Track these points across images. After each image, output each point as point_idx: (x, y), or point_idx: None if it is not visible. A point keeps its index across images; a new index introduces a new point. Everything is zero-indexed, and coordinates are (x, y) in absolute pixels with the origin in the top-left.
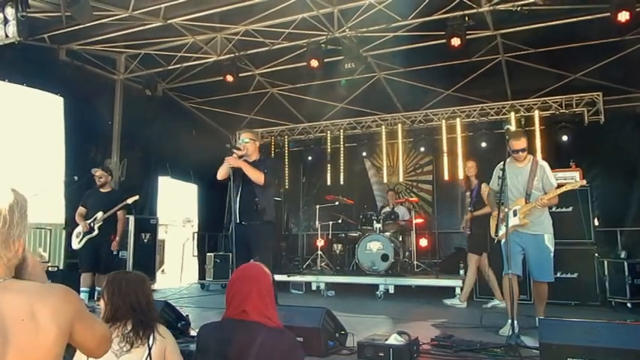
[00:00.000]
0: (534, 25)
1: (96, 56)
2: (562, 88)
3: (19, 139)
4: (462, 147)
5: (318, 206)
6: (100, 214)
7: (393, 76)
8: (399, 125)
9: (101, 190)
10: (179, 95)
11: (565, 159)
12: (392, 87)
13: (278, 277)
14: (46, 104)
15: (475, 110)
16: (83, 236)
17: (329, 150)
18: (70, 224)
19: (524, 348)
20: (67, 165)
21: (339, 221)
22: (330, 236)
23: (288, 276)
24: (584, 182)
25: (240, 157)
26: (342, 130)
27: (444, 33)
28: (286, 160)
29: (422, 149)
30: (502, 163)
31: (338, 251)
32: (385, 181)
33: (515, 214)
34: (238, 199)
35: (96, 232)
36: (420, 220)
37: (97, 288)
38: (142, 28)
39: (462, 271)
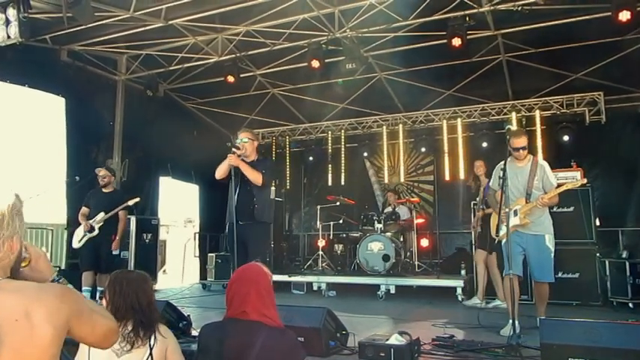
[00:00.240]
0: (535, 24)
1: (97, 57)
2: (563, 88)
3: (21, 139)
4: (463, 147)
5: (319, 206)
6: (101, 215)
7: (394, 77)
8: (400, 125)
9: (103, 190)
10: (180, 96)
11: (566, 159)
12: (393, 87)
13: (279, 278)
14: (48, 105)
15: (476, 110)
16: (84, 236)
17: (330, 150)
18: (72, 224)
19: (525, 348)
20: (69, 165)
21: (340, 221)
22: (331, 236)
23: (290, 276)
24: (585, 181)
25: (239, 156)
26: (343, 131)
27: (444, 33)
28: (287, 160)
29: (423, 149)
30: (502, 162)
31: (339, 251)
32: (386, 181)
33: (515, 214)
34: (236, 198)
35: (96, 231)
36: (421, 221)
37: (98, 288)
38: (143, 28)
39: (463, 272)
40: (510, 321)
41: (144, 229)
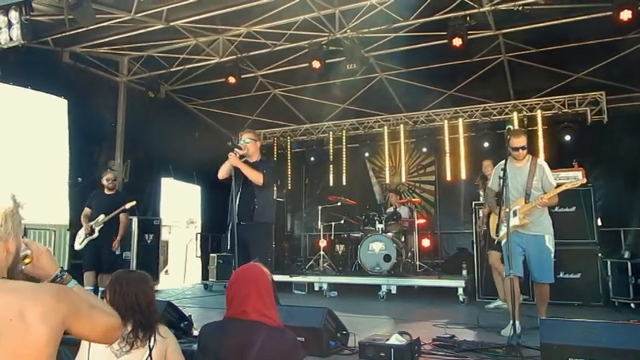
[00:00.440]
0: (536, 24)
1: (99, 58)
2: (564, 88)
3: (24, 141)
4: (465, 147)
5: (320, 207)
6: (101, 217)
7: (395, 77)
8: (401, 126)
9: (106, 191)
10: (182, 97)
11: (568, 159)
12: (394, 87)
13: (281, 278)
14: (50, 106)
15: (477, 110)
16: (85, 238)
17: (331, 151)
18: (74, 225)
19: (525, 348)
20: (71, 166)
21: (342, 222)
22: (332, 237)
23: (291, 276)
24: (584, 181)
25: (242, 157)
26: (344, 131)
27: (445, 33)
28: (289, 161)
29: (424, 150)
30: (502, 162)
31: (340, 252)
32: (388, 181)
33: (514, 215)
34: (238, 199)
35: (96, 234)
36: (422, 221)
37: (100, 288)
38: (144, 30)
39: (464, 272)
40: (511, 321)
41: (146, 230)
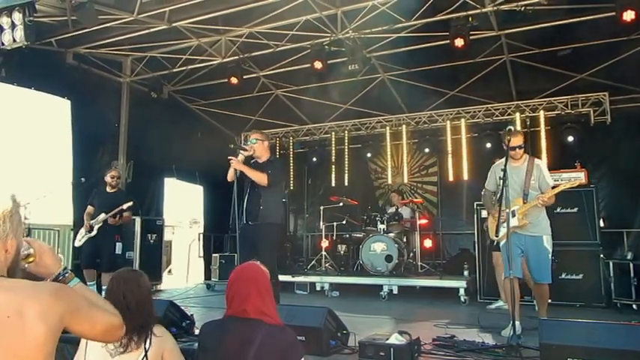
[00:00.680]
0: (539, 25)
1: (102, 59)
2: (567, 89)
3: (28, 141)
4: (467, 148)
5: (322, 207)
6: (101, 216)
7: (397, 77)
8: (404, 126)
9: (108, 189)
10: (184, 97)
11: (571, 160)
12: (396, 88)
13: (283, 278)
14: (54, 107)
15: (480, 111)
16: (84, 235)
17: (333, 151)
18: (78, 225)
19: (525, 348)
20: (75, 167)
21: (344, 222)
22: (334, 237)
23: (293, 276)
24: (583, 181)
25: (251, 157)
26: (346, 132)
27: (447, 34)
28: (291, 161)
29: (426, 150)
30: (499, 162)
31: (342, 252)
32: (390, 182)
33: (513, 215)
34: (246, 199)
35: (95, 232)
36: (424, 221)
37: (103, 287)
38: (147, 31)
39: (466, 272)
40: (511, 321)
41: (149, 230)
